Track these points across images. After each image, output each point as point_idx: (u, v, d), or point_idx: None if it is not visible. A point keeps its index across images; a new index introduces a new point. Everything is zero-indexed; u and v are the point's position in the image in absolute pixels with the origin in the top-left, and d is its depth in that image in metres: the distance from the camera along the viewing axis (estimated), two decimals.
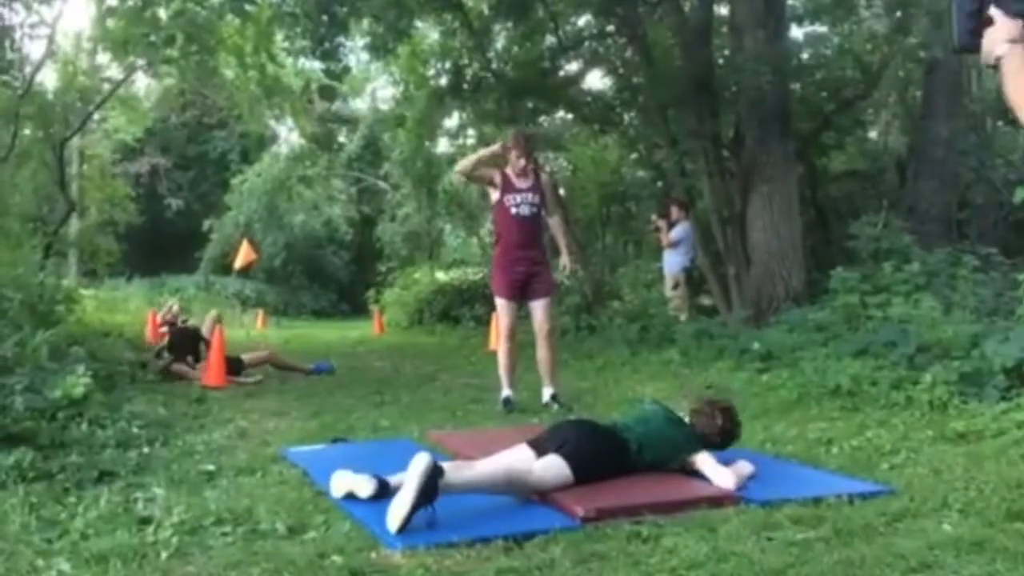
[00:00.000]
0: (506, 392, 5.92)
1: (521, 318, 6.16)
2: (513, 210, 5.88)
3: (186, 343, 7.82)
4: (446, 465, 3.11)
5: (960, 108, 11.58)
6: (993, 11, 1.95)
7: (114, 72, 15.74)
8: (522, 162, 5.90)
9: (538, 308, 5.98)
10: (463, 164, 6.15)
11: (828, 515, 3.10)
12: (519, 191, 5.89)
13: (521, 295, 5.98)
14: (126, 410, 5.14)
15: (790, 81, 10.00)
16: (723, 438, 3.73)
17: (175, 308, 12.35)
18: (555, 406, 5.78)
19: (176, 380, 7.26)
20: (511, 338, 6.00)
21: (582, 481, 3.34)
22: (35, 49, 21.06)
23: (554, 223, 6.13)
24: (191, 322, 12.50)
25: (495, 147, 6.01)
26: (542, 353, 5.99)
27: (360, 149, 24.65)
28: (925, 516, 3.13)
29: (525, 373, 6.46)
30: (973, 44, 2.02)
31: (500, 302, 6.02)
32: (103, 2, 13.32)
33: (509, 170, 5.95)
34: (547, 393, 5.94)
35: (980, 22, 1.99)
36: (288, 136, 25.58)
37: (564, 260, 6.22)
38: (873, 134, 14.66)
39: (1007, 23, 1.94)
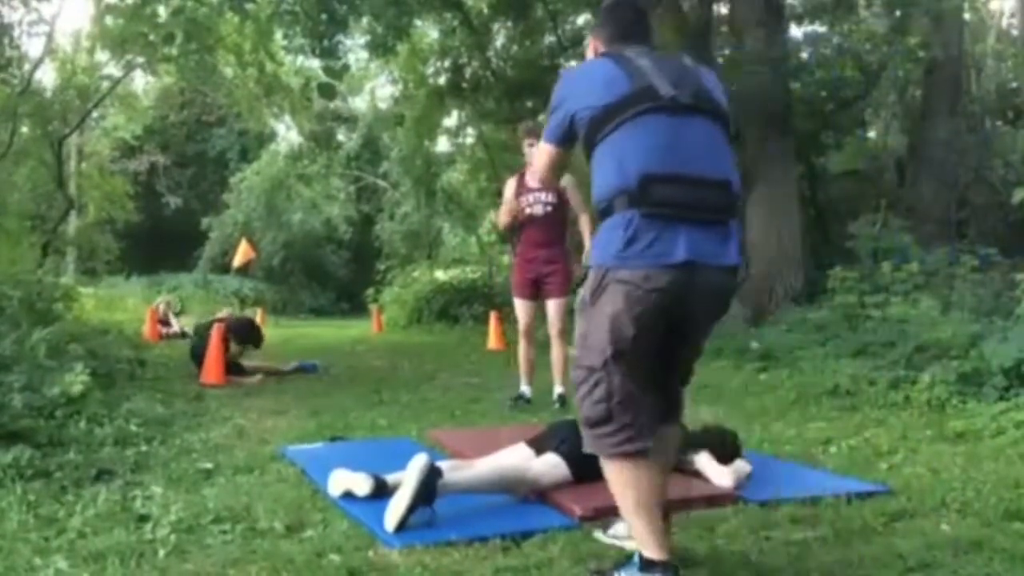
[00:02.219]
0: (522, 388, 5.95)
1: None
2: (527, 210, 5.89)
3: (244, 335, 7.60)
4: (444, 465, 3.11)
5: (960, 108, 11.60)
6: None
7: (113, 70, 15.72)
8: (532, 149, 5.89)
9: (550, 307, 5.98)
10: (503, 219, 6.18)
11: (826, 515, 3.10)
12: (532, 191, 5.89)
13: (536, 294, 5.98)
14: (124, 408, 5.12)
15: (790, 80, 10.01)
16: (721, 459, 3.71)
17: (162, 307, 12.42)
18: (557, 405, 5.78)
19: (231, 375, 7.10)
20: (526, 336, 6.02)
21: (580, 480, 3.33)
22: (34, 46, 21.05)
23: (582, 222, 6.08)
24: (183, 319, 12.57)
25: (510, 190, 6.01)
26: (554, 352, 6.00)
27: (359, 148, 24.65)
28: (923, 516, 3.14)
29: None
30: None
31: (516, 301, 6.05)
32: (102, 0, 13.30)
33: (528, 170, 5.95)
34: (556, 392, 5.95)
35: None
36: (287, 134, 25.59)
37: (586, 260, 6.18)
38: (872, 134, 14.68)
39: None
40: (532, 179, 5.88)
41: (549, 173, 2.75)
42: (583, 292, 2.41)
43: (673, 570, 2.37)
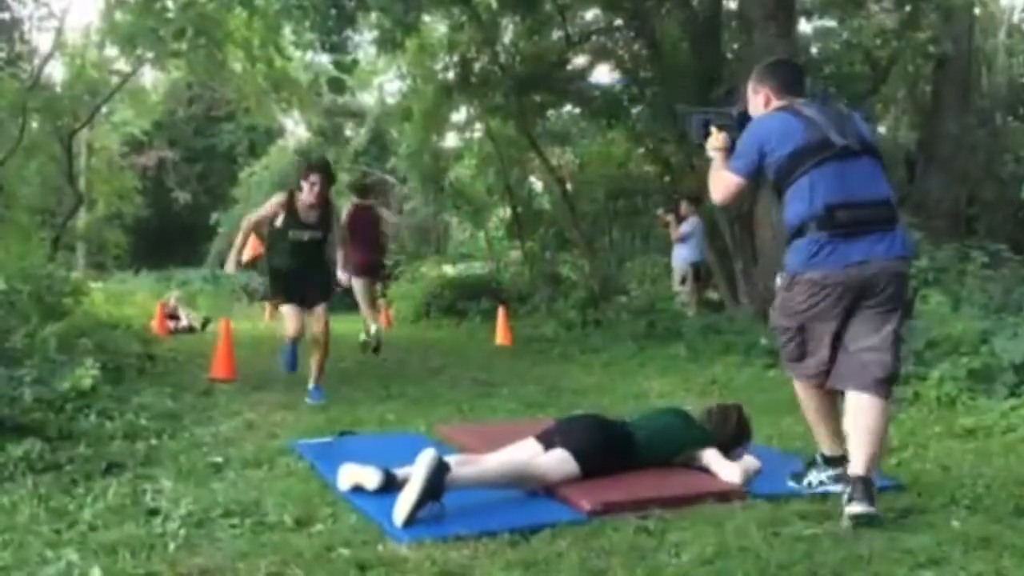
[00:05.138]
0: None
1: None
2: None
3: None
4: (452, 460, 3.11)
5: (970, 104, 11.55)
6: (713, 127, 3.55)
7: (122, 65, 15.73)
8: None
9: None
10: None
11: (835, 510, 3.09)
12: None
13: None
14: (134, 402, 5.15)
15: None
16: (733, 439, 3.72)
17: (172, 302, 12.55)
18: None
19: None
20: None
21: (589, 475, 3.34)
22: (43, 41, 21.09)
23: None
24: (193, 317, 12.67)
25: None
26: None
27: (367, 143, 24.62)
28: (933, 512, 3.13)
29: (534, 367, 6.45)
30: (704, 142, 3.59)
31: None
32: None
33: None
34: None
35: (707, 131, 3.56)
36: (295, 129, 25.58)
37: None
38: (882, 129, 14.62)
39: (718, 136, 3.51)
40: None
41: (734, 199, 3.54)
42: (780, 282, 3.30)
43: (844, 463, 3.15)
